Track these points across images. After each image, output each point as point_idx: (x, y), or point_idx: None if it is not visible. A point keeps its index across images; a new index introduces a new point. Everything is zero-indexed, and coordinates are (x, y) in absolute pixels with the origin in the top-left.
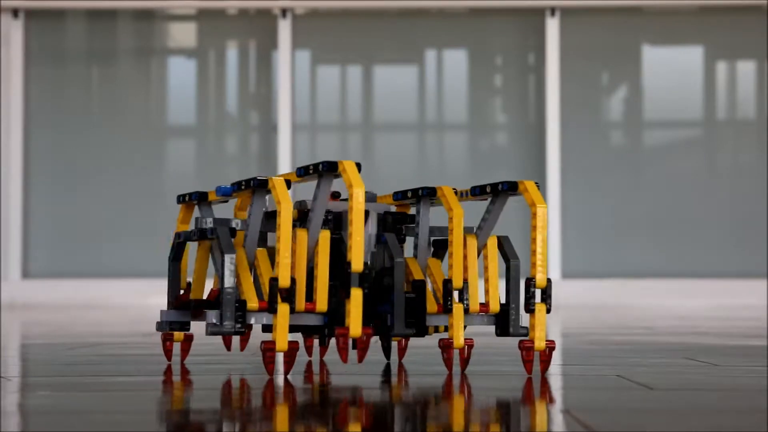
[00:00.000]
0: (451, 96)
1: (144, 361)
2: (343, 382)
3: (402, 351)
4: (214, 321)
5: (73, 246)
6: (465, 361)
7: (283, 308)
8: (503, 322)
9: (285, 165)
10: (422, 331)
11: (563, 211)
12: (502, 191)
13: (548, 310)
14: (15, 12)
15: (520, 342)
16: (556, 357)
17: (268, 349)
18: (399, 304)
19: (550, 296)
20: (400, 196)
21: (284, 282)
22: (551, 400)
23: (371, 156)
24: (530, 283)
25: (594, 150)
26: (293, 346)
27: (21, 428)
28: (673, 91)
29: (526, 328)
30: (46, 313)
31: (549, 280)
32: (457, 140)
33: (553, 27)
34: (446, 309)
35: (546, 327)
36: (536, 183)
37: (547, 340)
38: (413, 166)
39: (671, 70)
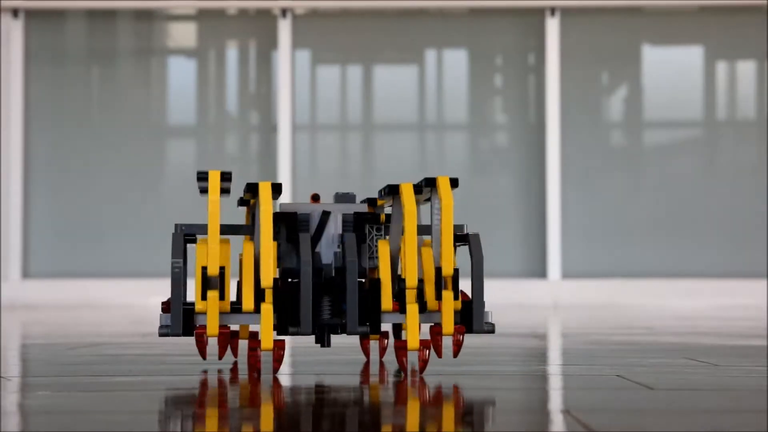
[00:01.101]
0: (451, 96)
1: (143, 361)
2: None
3: (383, 350)
4: (165, 323)
5: (73, 246)
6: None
7: (266, 308)
8: (467, 318)
9: (285, 165)
10: (377, 329)
11: (563, 211)
12: (431, 188)
13: (456, 298)
14: (15, 12)
15: (395, 341)
16: (556, 357)
17: (252, 347)
18: (351, 303)
19: (457, 285)
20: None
21: (266, 282)
22: (428, 401)
23: (371, 156)
24: (438, 272)
25: (594, 150)
26: (279, 345)
27: (21, 428)
28: (673, 91)
29: (491, 324)
30: (46, 313)
31: (456, 270)
32: (457, 140)
33: (553, 27)
34: (401, 309)
35: (453, 316)
36: (452, 179)
37: (422, 340)
38: (413, 166)
39: (671, 70)
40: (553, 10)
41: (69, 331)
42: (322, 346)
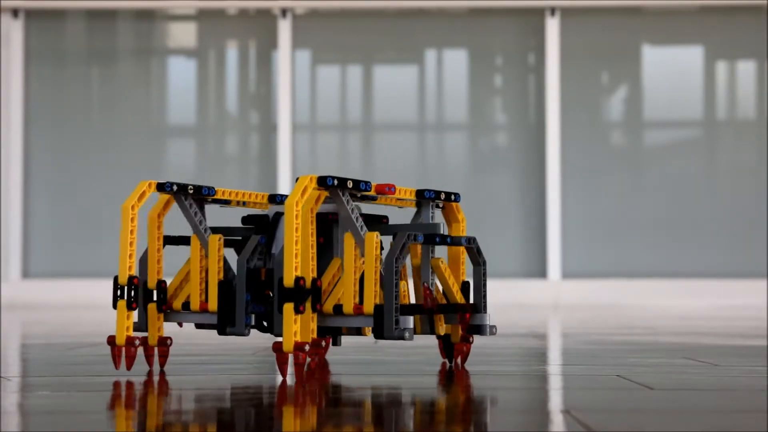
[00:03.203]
0: (451, 96)
1: (143, 361)
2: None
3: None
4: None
5: (73, 246)
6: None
7: (119, 307)
8: (378, 323)
9: (285, 165)
10: (267, 330)
11: (563, 211)
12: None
13: (298, 310)
14: (15, 12)
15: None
16: (557, 357)
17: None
18: (240, 305)
19: (313, 296)
20: None
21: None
22: (428, 402)
23: (371, 156)
24: (280, 282)
25: (594, 150)
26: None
27: (21, 428)
28: (673, 91)
29: (404, 330)
30: (46, 313)
31: (302, 280)
32: (457, 140)
33: (553, 27)
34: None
35: (303, 328)
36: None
37: (278, 343)
38: (413, 166)
39: (671, 70)
40: (553, 10)
41: (69, 331)
42: None
